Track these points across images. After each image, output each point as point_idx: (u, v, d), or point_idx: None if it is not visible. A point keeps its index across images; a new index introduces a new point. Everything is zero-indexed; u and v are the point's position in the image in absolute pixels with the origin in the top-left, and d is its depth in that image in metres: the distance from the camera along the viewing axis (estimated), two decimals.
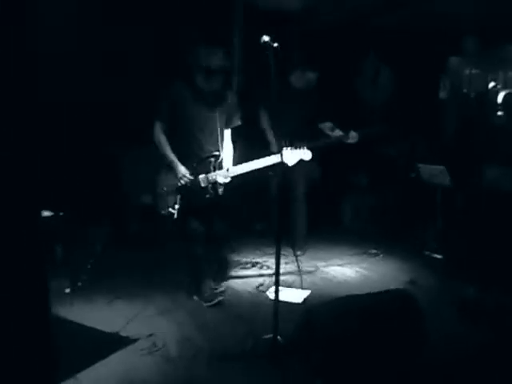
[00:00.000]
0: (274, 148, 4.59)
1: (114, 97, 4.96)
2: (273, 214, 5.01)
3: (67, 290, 3.89)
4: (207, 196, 3.61)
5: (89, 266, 4.29)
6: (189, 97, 3.59)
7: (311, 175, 4.99)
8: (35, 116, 1.84)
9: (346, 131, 4.76)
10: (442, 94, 6.97)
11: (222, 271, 4.25)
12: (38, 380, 1.96)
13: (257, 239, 5.43)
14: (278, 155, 3.61)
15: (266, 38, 2.83)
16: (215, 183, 3.62)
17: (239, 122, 3.81)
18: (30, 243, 1.88)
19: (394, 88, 7.09)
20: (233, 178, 3.62)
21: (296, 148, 3.76)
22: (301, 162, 4.66)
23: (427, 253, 4.94)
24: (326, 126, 4.83)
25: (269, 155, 3.63)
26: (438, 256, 4.85)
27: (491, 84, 6.92)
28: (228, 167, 3.65)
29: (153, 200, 3.79)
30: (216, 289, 3.86)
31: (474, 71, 6.97)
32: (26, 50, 1.76)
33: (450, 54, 6.79)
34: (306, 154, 3.80)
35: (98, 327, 3.31)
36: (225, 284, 4.10)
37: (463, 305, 3.60)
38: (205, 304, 3.69)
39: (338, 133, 4.80)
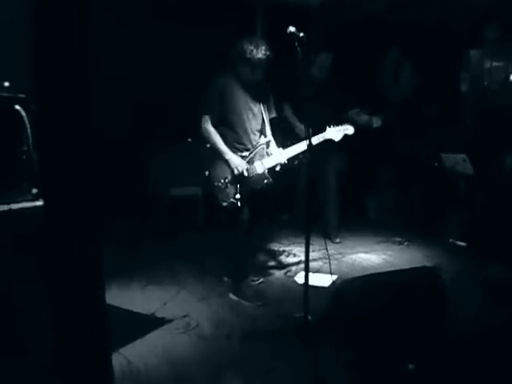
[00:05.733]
0: (302, 132, 4.48)
1: (150, 95, 5.18)
2: (301, 204, 5.12)
3: None
4: (265, 181, 3.65)
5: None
6: (236, 88, 3.62)
7: (340, 167, 5.08)
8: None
9: (370, 116, 4.90)
10: (463, 87, 7.01)
11: (258, 259, 4.37)
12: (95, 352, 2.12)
13: (282, 229, 5.56)
14: (323, 134, 3.88)
15: (292, 29, 2.94)
16: (271, 168, 3.66)
17: (274, 114, 3.87)
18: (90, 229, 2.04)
19: (415, 83, 7.14)
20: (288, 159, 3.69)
21: (338, 125, 3.92)
22: (331, 153, 4.81)
23: (451, 240, 5.00)
24: (354, 112, 4.93)
25: (298, 141, 3.70)
26: (462, 243, 4.91)
27: None
28: (280, 150, 3.71)
29: (211, 192, 3.69)
30: (254, 280, 3.99)
31: (494, 64, 6.98)
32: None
33: (470, 47, 6.82)
34: (349, 129, 3.96)
35: (134, 310, 3.46)
36: (262, 274, 4.18)
37: (487, 284, 3.67)
38: (245, 303, 3.64)
39: (364, 118, 4.92)
